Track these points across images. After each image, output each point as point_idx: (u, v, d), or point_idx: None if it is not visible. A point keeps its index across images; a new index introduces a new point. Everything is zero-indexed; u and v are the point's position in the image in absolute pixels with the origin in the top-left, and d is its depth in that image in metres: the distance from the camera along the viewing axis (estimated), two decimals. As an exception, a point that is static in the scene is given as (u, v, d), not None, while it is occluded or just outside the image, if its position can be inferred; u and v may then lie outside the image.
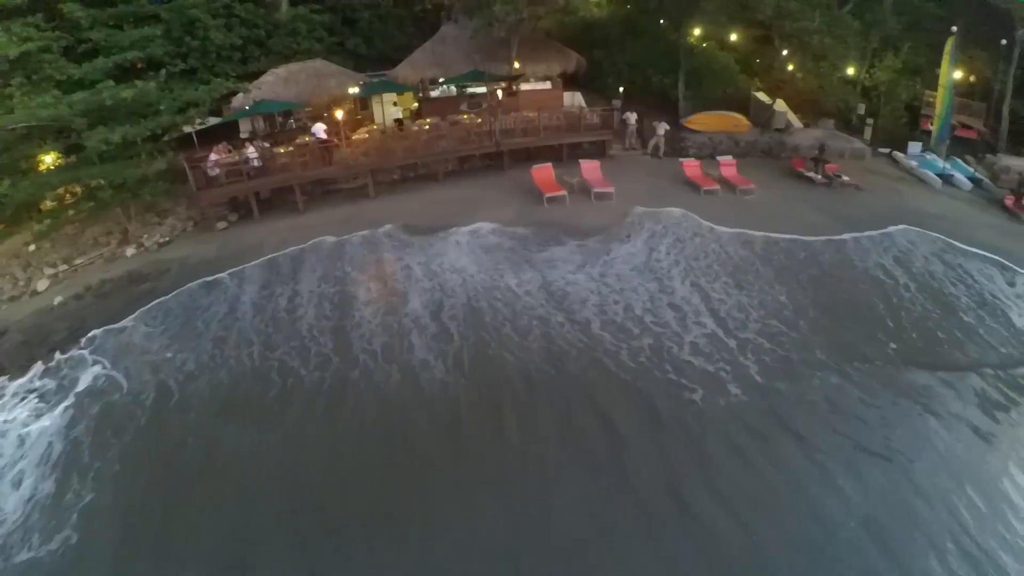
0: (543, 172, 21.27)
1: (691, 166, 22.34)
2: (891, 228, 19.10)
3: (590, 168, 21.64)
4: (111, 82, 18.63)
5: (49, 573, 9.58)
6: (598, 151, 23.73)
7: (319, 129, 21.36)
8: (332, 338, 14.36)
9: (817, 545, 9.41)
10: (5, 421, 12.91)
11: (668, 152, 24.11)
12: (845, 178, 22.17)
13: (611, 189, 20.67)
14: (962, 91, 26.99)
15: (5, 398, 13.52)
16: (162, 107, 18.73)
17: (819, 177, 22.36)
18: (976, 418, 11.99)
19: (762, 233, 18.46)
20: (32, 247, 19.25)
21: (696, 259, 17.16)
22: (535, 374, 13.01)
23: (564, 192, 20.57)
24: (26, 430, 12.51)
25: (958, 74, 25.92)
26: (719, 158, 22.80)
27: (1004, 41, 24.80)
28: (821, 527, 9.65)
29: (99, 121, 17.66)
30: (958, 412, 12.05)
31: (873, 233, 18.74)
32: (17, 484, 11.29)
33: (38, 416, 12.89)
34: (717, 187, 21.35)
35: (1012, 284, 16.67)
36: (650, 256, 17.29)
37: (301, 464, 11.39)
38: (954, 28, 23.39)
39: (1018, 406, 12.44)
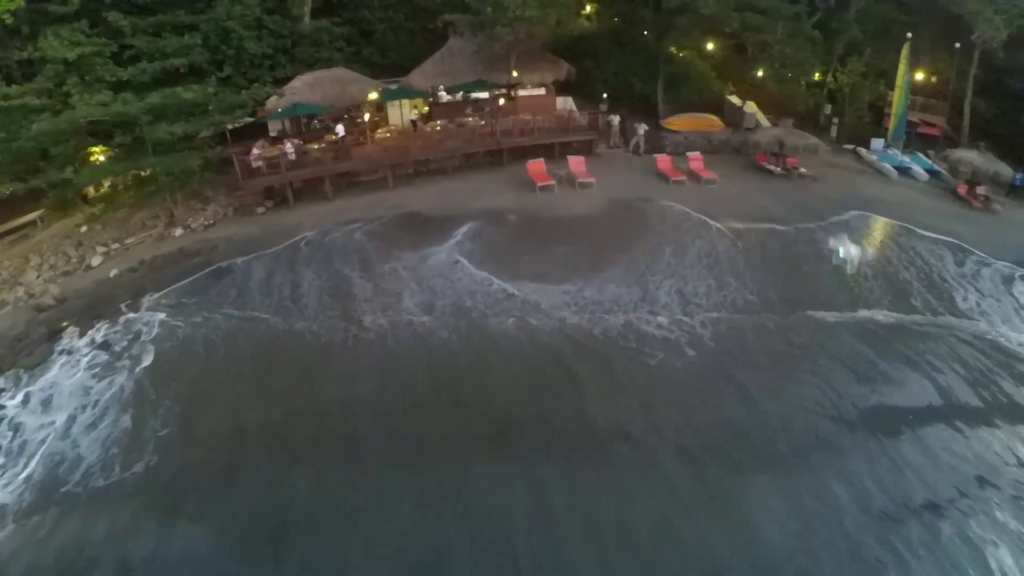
0: (536, 166, 22.96)
1: (663, 160, 23.87)
2: (844, 213, 20.80)
3: (576, 162, 23.26)
4: (153, 85, 20.40)
5: (130, 494, 10.91)
6: (585, 149, 24.98)
7: (340, 129, 23.12)
8: (371, 295, 16.36)
9: (737, 444, 11.44)
10: (79, 370, 14.36)
11: (648, 150, 25.36)
12: (803, 170, 23.68)
13: (592, 180, 22.35)
14: (927, 91, 28.13)
15: (77, 351, 15.01)
16: (210, 107, 20.18)
17: (778, 169, 23.82)
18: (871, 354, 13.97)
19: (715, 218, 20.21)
20: (84, 228, 20.60)
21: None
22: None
23: (553, 182, 22.24)
24: (97, 378, 13.98)
25: (920, 76, 27.30)
26: (688, 154, 24.33)
27: (958, 45, 25.88)
28: (746, 436, 11.67)
29: (159, 118, 19.26)
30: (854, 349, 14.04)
31: (821, 216, 20.50)
32: (95, 423, 12.70)
33: (108, 365, 14.36)
34: (684, 178, 22.95)
35: (961, 264, 18.12)
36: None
37: (336, 395, 13.09)
38: (909, 35, 24.81)
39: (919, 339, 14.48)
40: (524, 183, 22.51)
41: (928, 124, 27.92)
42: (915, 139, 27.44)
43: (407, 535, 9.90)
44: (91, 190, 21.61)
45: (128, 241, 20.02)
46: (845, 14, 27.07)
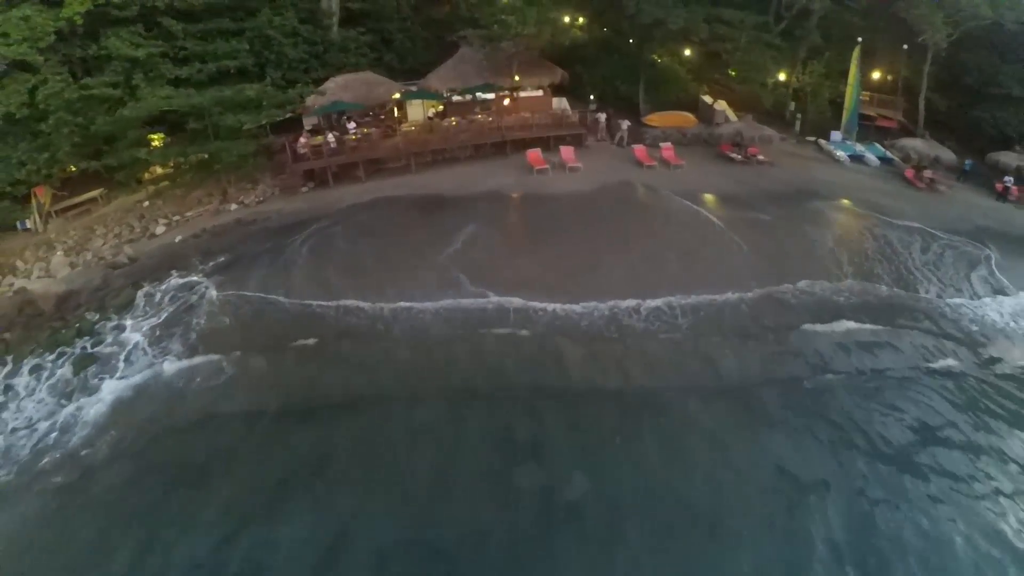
0: (534, 154, 24.93)
1: (640, 150, 25.88)
2: (789, 190, 23.30)
3: (567, 152, 25.26)
4: (207, 83, 22.23)
5: (218, 397, 13.64)
6: (576, 141, 26.66)
7: (352, 126, 24.94)
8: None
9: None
10: (166, 308, 16.59)
11: (630, 142, 27.02)
12: (761, 157, 25.62)
13: (580, 165, 24.54)
14: (885, 88, 29.69)
15: (158, 295, 17.10)
16: (264, 103, 21.94)
17: (739, 157, 25.80)
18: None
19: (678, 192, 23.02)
20: (146, 204, 22.12)
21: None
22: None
23: (548, 167, 24.26)
24: (180, 314, 16.28)
25: (876, 75, 28.94)
26: (661, 144, 26.30)
27: (905, 46, 27.55)
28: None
29: (227, 110, 21.16)
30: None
31: (766, 192, 23.09)
32: (182, 347, 15.24)
33: (188, 303, 16.61)
34: (655, 164, 25.07)
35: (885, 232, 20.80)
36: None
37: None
38: (859, 40, 26.51)
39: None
40: (524, 168, 24.57)
41: (885, 118, 29.42)
42: (873, 131, 28.83)
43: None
44: (145, 173, 22.90)
45: (188, 214, 21.66)
46: (807, 22, 28.37)
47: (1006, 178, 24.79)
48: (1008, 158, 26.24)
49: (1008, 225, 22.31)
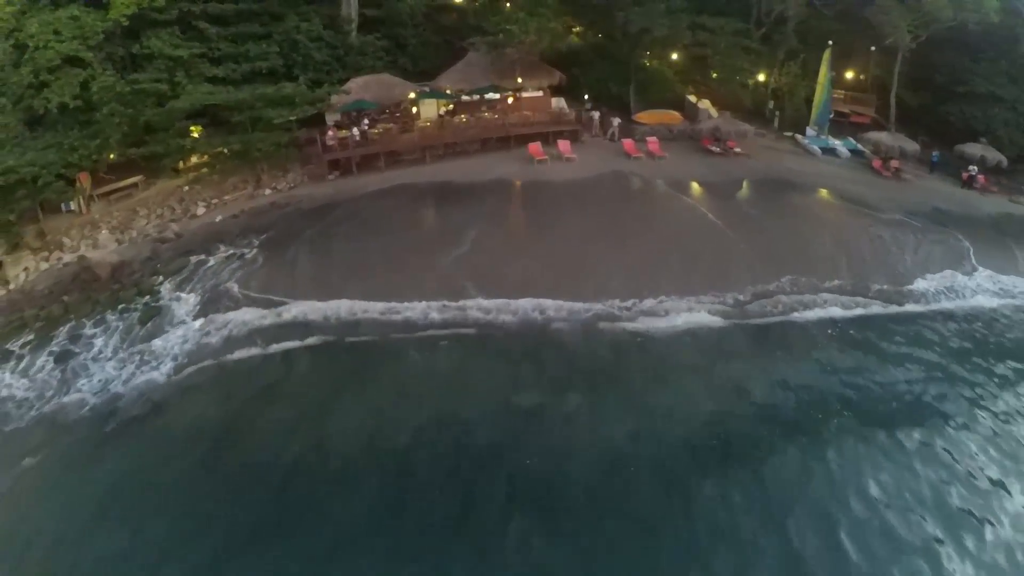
0: (535, 147, 25.85)
1: (628, 143, 26.85)
2: (757, 176, 24.68)
3: (564, 145, 26.23)
4: (241, 81, 23.20)
5: (271, 338, 15.09)
6: (573, 136, 27.52)
7: (365, 123, 25.55)
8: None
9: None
10: (217, 273, 17.82)
11: (620, 137, 27.81)
12: (738, 150, 26.64)
13: (575, 156, 25.64)
14: (859, 87, 30.43)
15: (210, 262, 18.35)
16: (297, 100, 22.85)
17: (717, 149, 26.83)
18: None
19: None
20: (186, 188, 22.93)
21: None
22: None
23: (547, 158, 25.29)
24: (230, 278, 17.56)
25: (849, 75, 29.86)
26: (647, 138, 27.25)
27: (873, 48, 28.47)
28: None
29: (267, 105, 22.20)
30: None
31: (735, 178, 24.58)
32: (234, 303, 16.48)
33: (237, 269, 17.89)
34: (641, 155, 26.15)
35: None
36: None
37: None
38: (830, 42, 27.31)
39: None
40: (526, 159, 25.53)
41: (859, 114, 30.20)
42: (848, 127, 29.58)
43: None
44: (183, 161, 23.73)
45: (225, 198, 22.49)
46: (784, 27, 29.16)
47: (970, 167, 25.77)
48: (973, 149, 26.90)
49: (964, 207, 23.56)
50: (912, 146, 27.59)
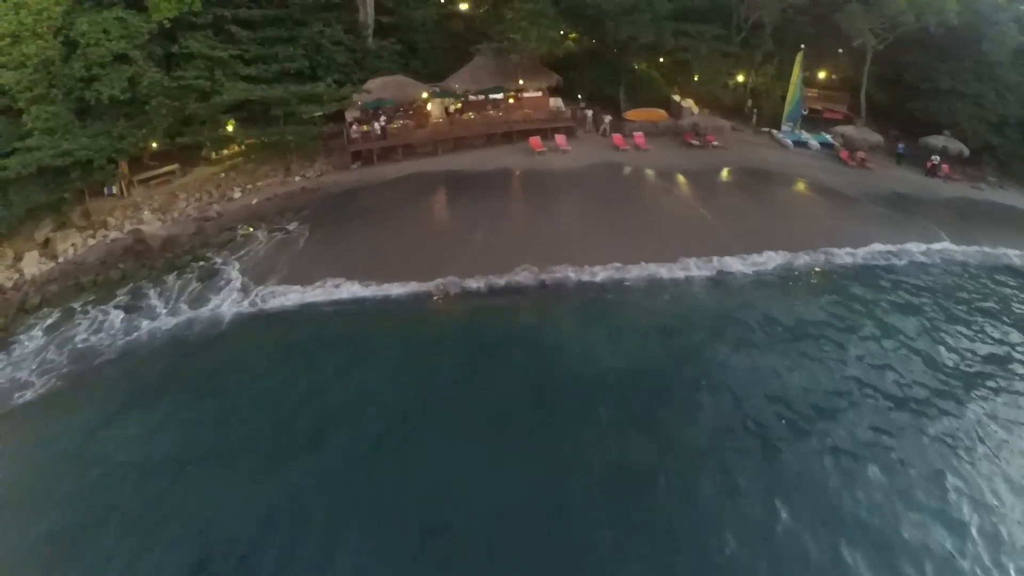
0: (535, 140, 27.00)
1: (617, 137, 28.01)
2: (731, 166, 26.13)
3: (560, 138, 27.44)
4: (272, 80, 23.75)
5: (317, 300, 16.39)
6: (568, 132, 28.55)
7: (383, 119, 26.39)
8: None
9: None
10: (263, 245, 19.01)
11: (612, 133, 28.80)
12: (716, 143, 27.78)
13: (569, 148, 26.85)
14: (833, 86, 31.36)
15: (256, 237, 19.46)
16: (324, 97, 23.66)
17: (697, 143, 27.98)
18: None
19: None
20: (222, 175, 23.72)
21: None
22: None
23: (545, 149, 26.44)
24: (275, 247, 18.97)
25: (822, 74, 30.77)
26: (634, 132, 28.33)
27: (841, 50, 29.47)
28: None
29: (301, 102, 23.17)
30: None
31: (712, 166, 26.00)
32: (283, 265, 17.75)
33: (279, 240, 19.19)
34: (629, 148, 27.32)
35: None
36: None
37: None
38: (802, 46, 28.27)
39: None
40: (526, 151, 26.67)
41: (832, 111, 31.16)
42: (822, 123, 30.45)
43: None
44: (217, 151, 24.45)
45: (259, 184, 23.33)
46: (762, 33, 29.98)
47: (933, 157, 26.87)
48: (936, 141, 27.65)
49: (921, 192, 24.92)
50: (876, 138, 28.52)
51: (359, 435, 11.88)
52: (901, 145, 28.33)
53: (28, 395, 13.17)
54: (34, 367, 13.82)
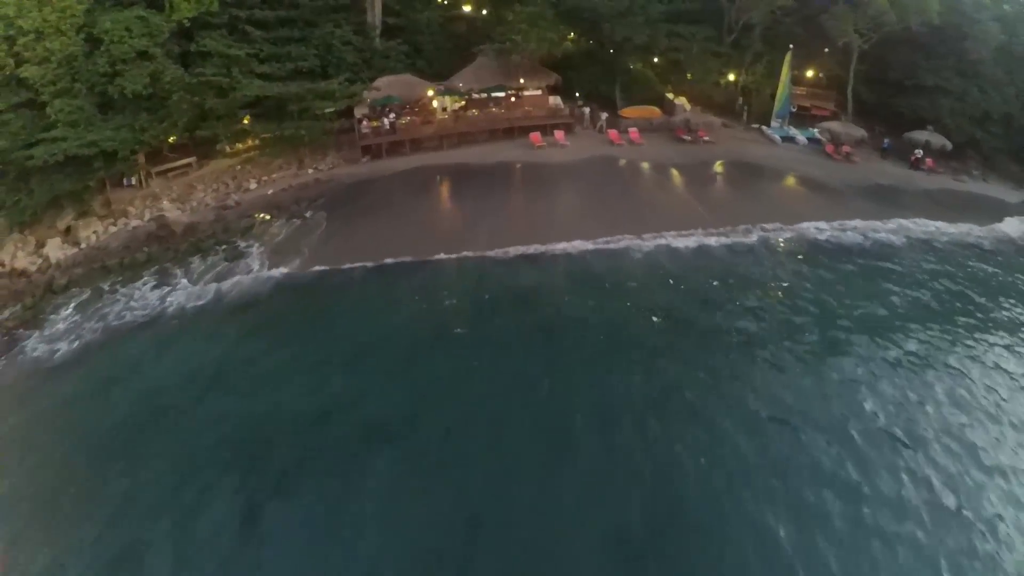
0: (535, 136, 27.47)
1: (612, 133, 28.55)
2: (720, 159, 26.62)
3: (559, 134, 27.92)
4: (286, 78, 24.10)
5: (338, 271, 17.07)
6: (567, 128, 28.94)
7: (393, 115, 27.01)
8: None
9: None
10: (283, 229, 19.60)
11: (608, 129, 29.25)
12: (706, 138, 28.23)
13: (568, 144, 27.31)
14: (820, 84, 31.68)
15: (275, 223, 20.03)
16: (337, 94, 24.08)
17: (688, 138, 28.47)
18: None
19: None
20: (238, 167, 23.98)
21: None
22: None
23: (545, 144, 26.94)
24: (295, 232, 19.55)
25: (810, 73, 31.21)
26: (629, 128, 28.85)
27: (827, 49, 29.79)
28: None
29: (316, 98, 23.58)
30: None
31: (702, 160, 26.55)
32: (303, 247, 18.37)
33: (298, 226, 19.80)
34: (624, 143, 27.88)
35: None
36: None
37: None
38: (791, 46, 28.65)
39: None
40: (527, 146, 27.15)
41: (819, 108, 31.51)
42: (810, 119, 30.78)
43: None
44: (231, 145, 24.80)
45: (274, 176, 23.68)
46: (752, 34, 30.30)
47: (916, 151, 27.32)
48: (919, 136, 28.05)
49: (900, 183, 25.42)
50: (860, 132, 28.93)
51: (390, 358, 13.80)
52: (887, 140, 28.74)
53: (64, 355, 13.84)
54: (71, 336, 14.28)
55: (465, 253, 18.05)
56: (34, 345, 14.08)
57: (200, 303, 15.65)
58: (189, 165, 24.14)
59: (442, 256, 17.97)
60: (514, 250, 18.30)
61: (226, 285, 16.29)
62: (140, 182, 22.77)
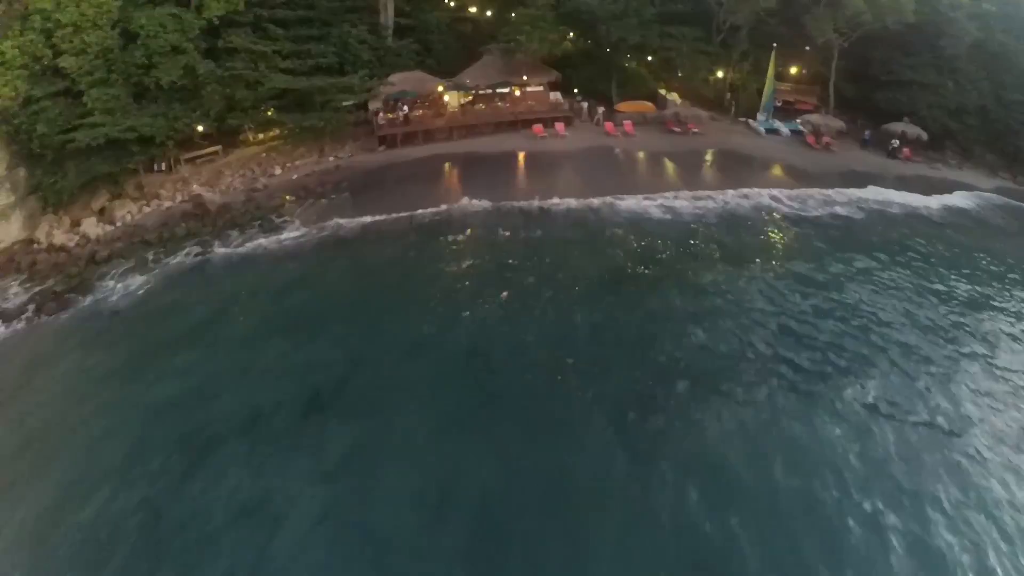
0: (537, 128, 28.09)
1: (608, 125, 29.28)
2: (708, 148, 27.66)
3: (559, 126, 28.55)
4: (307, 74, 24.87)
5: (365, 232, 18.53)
6: (566, 121, 29.54)
7: (405, 108, 27.68)
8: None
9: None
10: (311, 207, 20.33)
11: (604, 122, 29.98)
12: (695, 130, 29.01)
13: (567, 135, 27.99)
14: (804, 80, 32.42)
15: (305, 201, 20.68)
16: (356, 88, 24.80)
17: (678, 130, 29.28)
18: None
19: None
20: (263, 155, 24.57)
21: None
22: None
23: (546, 135, 27.66)
24: (322, 209, 20.07)
25: (794, 70, 31.93)
26: (624, 121, 29.61)
27: (808, 48, 30.54)
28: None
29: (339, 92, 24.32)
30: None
31: (692, 149, 27.64)
32: (330, 219, 19.34)
33: (324, 204, 20.54)
34: (618, 135, 28.64)
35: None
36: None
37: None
38: (775, 44, 29.38)
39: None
40: (530, 137, 27.87)
41: (803, 102, 32.17)
42: (794, 112, 31.41)
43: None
44: (253, 135, 25.50)
45: (297, 163, 24.27)
46: (739, 34, 30.78)
47: (893, 141, 28.13)
48: (895, 127, 28.64)
49: (874, 169, 26.38)
50: (838, 124, 29.55)
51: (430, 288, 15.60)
52: (867, 132, 29.48)
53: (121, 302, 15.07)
54: (123, 291, 15.14)
55: (475, 202, 20.81)
56: (91, 299, 14.88)
57: (248, 254, 16.92)
58: (216, 152, 24.69)
59: (464, 200, 20.75)
60: (519, 203, 20.83)
61: (269, 241, 17.56)
62: (169, 167, 23.32)
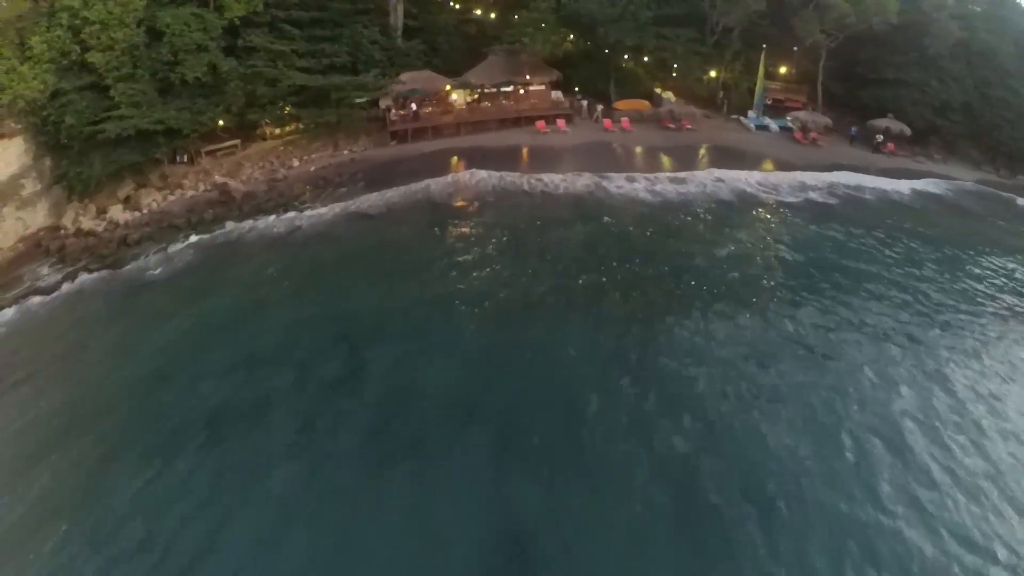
0: (540, 124, 28.79)
1: (607, 122, 29.87)
2: (701, 144, 28.23)
3: (560, 122, 29.17)
4: (322, 72, 25.31)
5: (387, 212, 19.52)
6: (567, 118, 30.12)
7: (413, 106, 28.15)
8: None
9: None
10: (332, 194, 21.15)
11: (603, 119, 30.53)
12: (689, 126, 29.59)
13: (568, 131, 28.58)
14: (793, 78, 32.78)
15: (325, 190, 21.39)
16: (369, 86, 25.31)
17: (672, 126, 29.84)
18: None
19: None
20: (281, 148, 25.00)
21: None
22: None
23: (548, 130, 28.29)
24: (342, 196, 21.01)
25: (783, 69, 32.40)
26: (621, 118, 30.18)
27: (795, 48, 30.93)
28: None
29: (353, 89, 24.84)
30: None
31: (685, 144, 28.22)
32: (350, 205, 20.29)
33: (343, 192, 21.42)
34: (615, 130, 29.24)
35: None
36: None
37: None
38: (764, 45, 29.93)
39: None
40: (533, 132, 28.54)
41: (793, 100, 32.60)
42: (784, 110, 31.85)
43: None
44: (270, 129, 25.82)
45: (313, 156, 24.78)
46: (731, 35, 31.27)
47: (877, 136, 28.68)
48: (880, 122, 29.18)
49: (857, 161, 27.13)
50: (824, 120, 30.12)
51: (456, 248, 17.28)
52: (854, 128, 29.95)
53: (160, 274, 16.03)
54: (163, 266, 15.99)
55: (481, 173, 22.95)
56: (131, 267, 15.89)
57: (279, 231, 18.01)
58: (235, 146, 25.08)
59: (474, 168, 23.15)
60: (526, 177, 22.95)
61: (298, 218, 18.59)
62: (191, 159, 23.78)
